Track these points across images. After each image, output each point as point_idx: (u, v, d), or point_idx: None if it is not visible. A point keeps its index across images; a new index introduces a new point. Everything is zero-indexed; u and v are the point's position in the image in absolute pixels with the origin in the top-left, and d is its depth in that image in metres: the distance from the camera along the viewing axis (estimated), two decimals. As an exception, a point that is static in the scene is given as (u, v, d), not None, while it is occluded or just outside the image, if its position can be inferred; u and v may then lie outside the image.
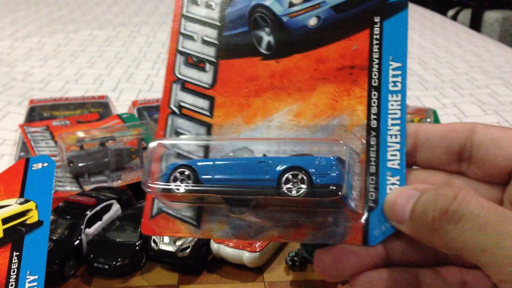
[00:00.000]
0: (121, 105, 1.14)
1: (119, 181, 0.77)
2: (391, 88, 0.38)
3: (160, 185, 0.37)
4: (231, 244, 0.62)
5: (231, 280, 0.61)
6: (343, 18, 0.40)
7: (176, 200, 0.38)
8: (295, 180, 0.34)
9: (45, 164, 0.58)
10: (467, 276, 0.35)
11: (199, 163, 0.37)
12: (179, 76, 0.42)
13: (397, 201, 0.33)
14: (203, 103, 0.41)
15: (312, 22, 0.40)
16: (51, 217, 0.65)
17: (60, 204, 0.67)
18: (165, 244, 0.62)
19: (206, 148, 0.39)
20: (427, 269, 0.35)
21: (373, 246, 0.35)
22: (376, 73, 0.38)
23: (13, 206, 0.55)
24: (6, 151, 0.93)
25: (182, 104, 0.41)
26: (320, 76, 0.39)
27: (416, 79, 1.32)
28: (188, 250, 0.61)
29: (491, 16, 3.02)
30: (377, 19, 0.39)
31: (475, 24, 3.02)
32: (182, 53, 0.42)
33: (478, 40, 1.70)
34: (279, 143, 0.38)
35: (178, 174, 0.37)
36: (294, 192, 0.34)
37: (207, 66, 0.42)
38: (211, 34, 0.42)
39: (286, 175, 0.34)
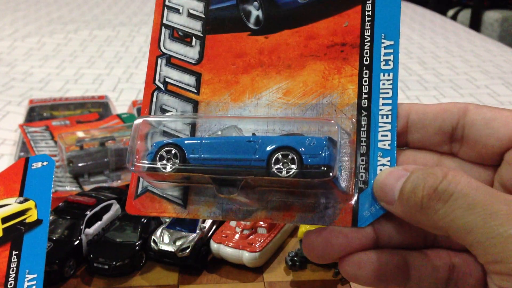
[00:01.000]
0: (120, 105, 1.14)
1: (119, 181, 0.77)
2: (382, 67, 0.37)
3: (146, 164, 0.36)
4: (231, 244, 0.62)
5: (231, 280, 0.61)
6: None
7: (162, 180, 0.37)
8: (285, 160, 0.34)
9: (45, 163, 0.58)
10: (455, 259, 0.34)
11: (186, 142, 0.36)
12: (164, 51, 0.41)
13: (387, 181, 0.33)
14: (189, 79, 0.40)
15: None
16: (51, 217, 0.65)
17: (60, 204, 0.67)
18: (165, 244, 0.62)
19: (193, 126, 0.39)
20: (415, 252, 0.35)
21: (363, 228, 0.34)
22: (368, 51, 0.37)
23: (13, 205, 0.55)
24: (6, 151, 0.93)
25: (168, 80, 0.40)
26: (310, 53, 0.38)
27: (416, 79, 1.32)
28: (188, 250, 0.61)
29: (491, 16, 3.02)
30: None
31: (475, 24, 3.02)
32: (167, 26, 0.41)
33: (477, 40, 1.70)
34: (267, 121, 0.37)
35: (164, 152, 0.36)
36: (284, 173, 0.33)
37: (194, 40, 0.41)
38: (198, 7, 0.41)
39: (276, 155, 0.34)
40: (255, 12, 0.40)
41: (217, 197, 0.36)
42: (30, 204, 0.55)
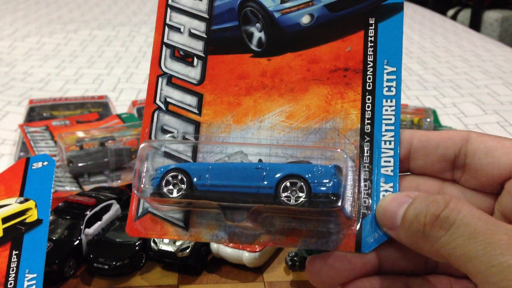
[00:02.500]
0: (120, 105, 1.14)
1: (119, 181, 0.77)
2: (385, 93, 0.37)
3: (152, 190, 0.36)
4: (231, 244, 0.62)
5: (231, 280, 0.61)
6: (337, 18, 0.39)
7: (167, 204, 0.37)
8: (293, 188, 0.33)
9: (45, 163, 0.58)
10: (455, 286, 0.35)
11: (192, 167, 0.35)
12: (165, 70, 0.40)
13: (389, 207, 0.33)
14: (191, 100, 0.40)
15: (305, 20, 0.39)
16: (51, 217, 0.65)
17: (60, 204, 0.67)
18: (165, 244, 0.62)
19: (195, 148, 0.38)
20: (417, 278, 0.36)
21: (366, 254, 0.35)
22: (371, 76, 0.37)
23: (13, 205, 0.55)
24: (6, 151, 0.93)
25: (169, 100, 0.40)
26: (313, 77, 0.38)
27: (416, 79, 1.32)
28: (187, 250, 0.61)
29: (491, 16, 3.02)
30: (372, 21, 0.38)
31: (475, 24, 3.02)
32: (168, 45, 0.41)
33: (477, 40, 1.70)
34: (271, 145, 0.37)
35: (170, 177, 0.35)
36: (292, 201, 0.33)
37: (195, 61, 0.40)
38: (199, 27, 0.41)
39: (284, 183, 0.34)
40: (257, 34, 0.40)
41: (219, 220, 0.36)
42: (30, 204, 0.55)
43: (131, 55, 1.50)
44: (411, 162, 0.37)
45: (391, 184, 0.36)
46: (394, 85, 0.37)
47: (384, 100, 0.37)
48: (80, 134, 0.84)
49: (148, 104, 0.40)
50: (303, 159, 0.36)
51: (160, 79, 0.40)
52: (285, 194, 0.33)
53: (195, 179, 0.35)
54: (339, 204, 0.33)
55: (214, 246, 0.63)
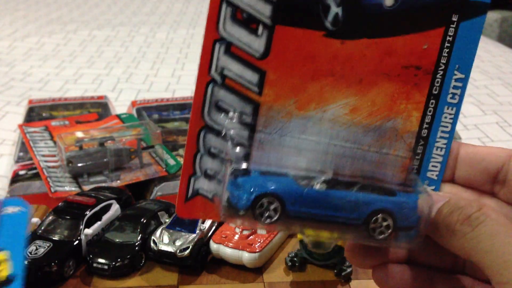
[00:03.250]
0: (120, 105, 1.14)
1: (118, 181, 0.77)
2: (449, 100, 0.36)
3: (243, 210, 0.32)
4: (231, 244, 0.62)
5: (231, 281, 0.61)
6: (422, 5, 0.35)
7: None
8: (380, 221, 0.33)
9: (20, 209, 0.50)
10: (477, 287, 0.37)
11: (286, 192, 0.33)
12: (224, 35, 0.34)
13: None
14: (251, 76, 0.34)
15: (389, 1, 0.34)
16: (50, 217, 0.65)
17: (59, 204, 0.67)
18: (165, 245, 0.62)
19: (253, 129, 0.35)
20: (442, 273, 0.38)
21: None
22: (439, 80, 0.36)
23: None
24: (5, 151, 0.93)
25: (226, 72, 0.34)
26: (383, 71, 0.35)
27: (415, 80, 1.32)
28: (187, 251, 0.61)
29: (490, 17, 3.03)
30: (454, 18, 0.35)
31: (474, 25, 3.01)
32: (229, 3, 0.33)
33: (477, 41, 1.70)
34: (331, 136, 0.35)
35: (266, 203, 0.32)
36: (379, 235, 0.33)
37: (260, 29, 0.34)
38: None
39: (374, 217, 0.33)
40: (334, 9, 0.34)
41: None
42: (2, 256, 0.45)
43: (130, 55, 1.50)
44: (456, 172, 0.38)
45: (433, 187, 0.37)
46: (459, 93, 0.36)
47: (446, 107, 0.36)
48: (80, 134, 0.84)
49: (202, 74, 0.34)
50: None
51: (217, 45, 0.34)
52: (372, 226, 0.33)
53: (288, 205, 0.33)
54: (419, 240, 0.34)
55: (213, 246, 0.63)
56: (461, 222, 0.33)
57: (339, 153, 0.36)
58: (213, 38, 0.34)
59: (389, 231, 0.33)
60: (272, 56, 0.34)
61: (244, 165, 0.34)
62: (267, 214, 0.32)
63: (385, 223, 0.33)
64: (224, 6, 0.33)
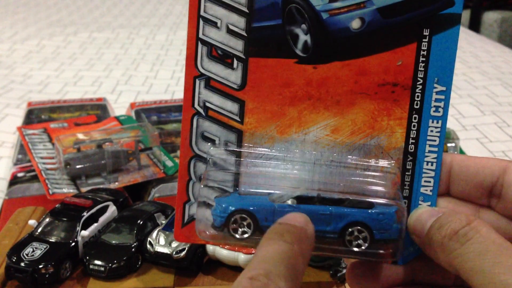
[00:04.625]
0: (119, 107, 1.14)
1: (116, 183, 0.78)
2: (432, 113, 0.36)
3: (217, 228, 0.34)
4: (227, 246, 0.62)
5: (227, 282, 0.61)
6: (390, 25, 0.36)
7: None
8: (356, 234, 0.34)
9: None
10: None
11: (258, 208, 0.34)
12: (203, 71, 0.36)
13: (422, 216, 0.35)
14: (232, 106, 0.37)
15: (355, 24, 0.36)
16: (47, 219, 0.65)
17: (56, 205, 0.67)
18: (161, 246, 0.62)
19: (238, 157, 0.37)
20: None
21: (401, 265, 0.37)
22: (419, 94, 0.36)
23: None
24: (4, 154, 0.94)
25: (208, 105, 0.37)
26: (360, 91, 0.36)
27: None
28: (183, 252, 0.61)
29: (490, 17, 3.02)
30: (426, 32, 0.35)
31: (474, 25, 3.02)
32: (204, 42, 0.36)
33: (476, 41, 1.70)
34: (315, 156, 0.36)
35: (238, 218, 0.34)
36: (356, 248, 0.34)
37: (235, 62, 0.36)
38: (238, 22, 0.36)
39: (350, 229, 0.34)
40: (303, 37, 0.36)
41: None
42: None
43: (130, 57, 1.51)
44: (450, 186, 0.38)
45: (429, 203, 0.37)
46: (442, 106, 0.36)
47: (431, 121, 0.36)
48: (78, 136, 0.84)
49: (186, 108, 0.37)
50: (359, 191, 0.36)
51: (197, 81, 0.37)
52: (348, 238, 0.34)
53: (261, 222, 0.34)
54: (396, 256, 0.34)
55: (210, 248, 0.63)
56: (449, 237, 0.32)
57: (324, 172, 0.36)
58: (193, 75, 0.37)
59: (366, 243, 0.34)
60: (249, 86, 0.37)
61: (228, 189, 0.36)
62: (241, 230, 0.34)
63: (361, 235, 0.34)
64: (200, 45, 0.36)
